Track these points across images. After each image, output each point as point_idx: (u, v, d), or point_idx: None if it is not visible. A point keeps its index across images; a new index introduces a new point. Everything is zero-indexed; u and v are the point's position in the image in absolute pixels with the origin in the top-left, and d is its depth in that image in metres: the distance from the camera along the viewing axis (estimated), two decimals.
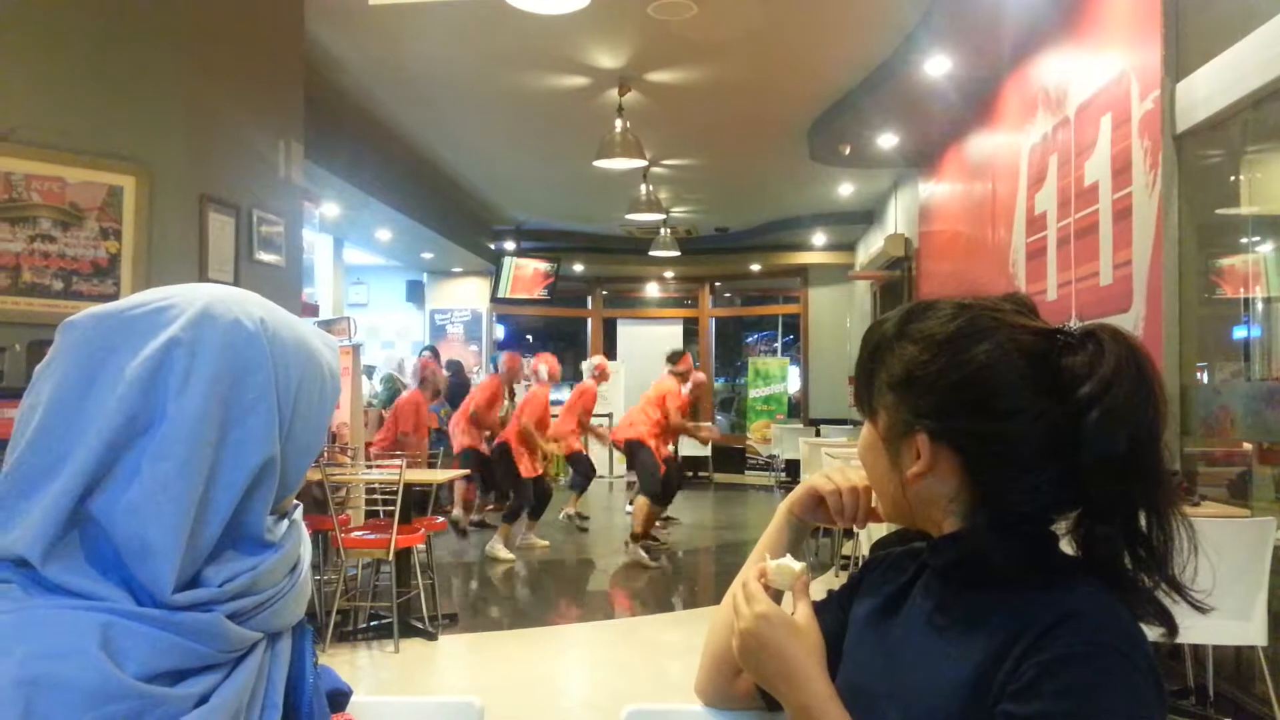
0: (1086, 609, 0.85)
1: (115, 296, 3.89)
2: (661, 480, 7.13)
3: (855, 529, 1.22)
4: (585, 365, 8.57)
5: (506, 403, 8.41)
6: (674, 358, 7.52)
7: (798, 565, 1.02)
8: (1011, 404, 0.90)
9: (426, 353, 10.08)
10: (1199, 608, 0.89)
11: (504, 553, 6.92)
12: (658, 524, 8.15)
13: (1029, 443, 0.89)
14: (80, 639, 0.70)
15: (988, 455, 0.91)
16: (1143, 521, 0.88)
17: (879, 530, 1.11)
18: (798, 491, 1.19)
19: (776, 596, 1.02)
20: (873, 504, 1.11)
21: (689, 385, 7.60)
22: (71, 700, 0.67)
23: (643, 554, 6.78)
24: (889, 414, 0.98)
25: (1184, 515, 0.89)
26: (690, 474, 9.81)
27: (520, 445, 7.21)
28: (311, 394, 0.88)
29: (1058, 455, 0.88)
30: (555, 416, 7.94)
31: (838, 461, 5.55)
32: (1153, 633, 0.88)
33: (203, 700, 0.76)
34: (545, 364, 7.63)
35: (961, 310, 0.95)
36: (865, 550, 4.96)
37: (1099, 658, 0.82)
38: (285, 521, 0.88)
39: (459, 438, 7.61)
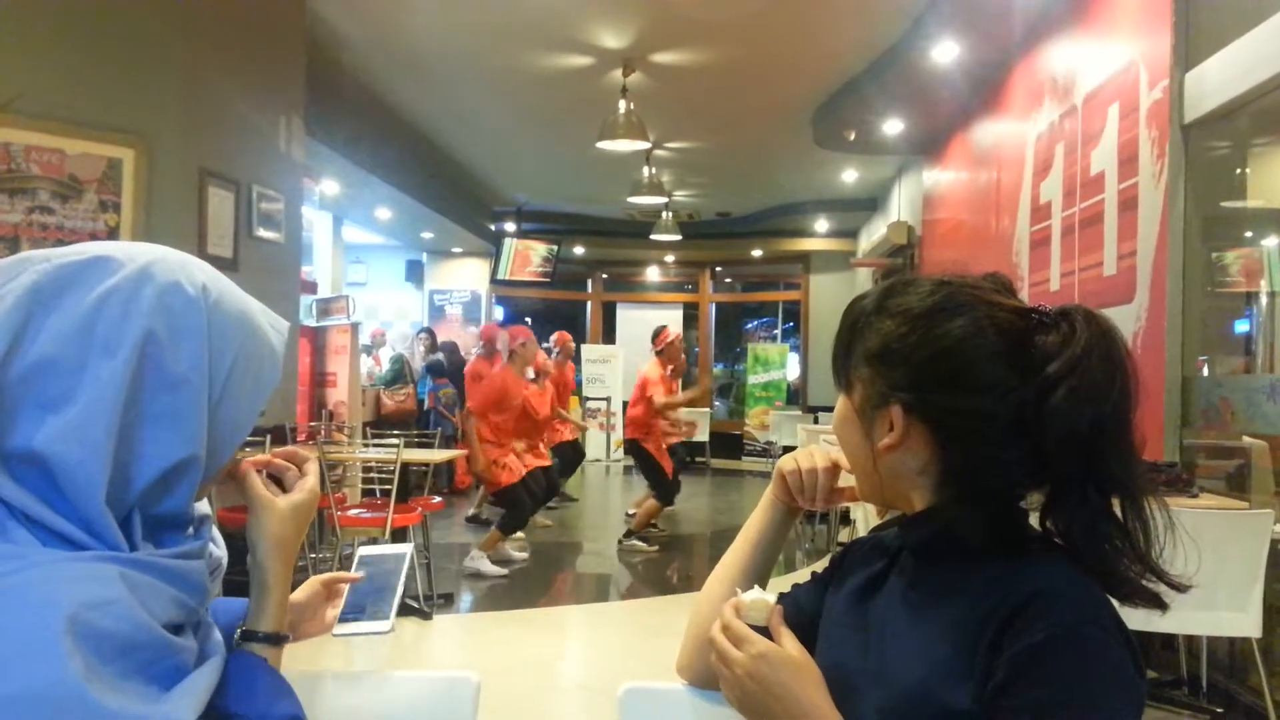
0: (1058, 587, 0.86)
1: None
2: (670, 482, 6.95)
3: (818, 510, 1.26)
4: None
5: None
6: (654, 336, 7.16)
7: (771, 597, 1.01)
8: (983, 379, 0.91)
9: (424, 333, 10.06)
10: (1178, 588, 0.90)
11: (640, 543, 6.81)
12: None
13: (999, 418, 0.90)
14: (112, 589, 0.71)
15: (958, 429, 0.92)
16: (1119, 510, 0.89)
17: (876, 517, 1.11)
18: (774, 473, 1.22)
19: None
20: (838, 484, 1.13)
21: (662, 351, 7.03)
22: (103, 648, 0.69)
23: (639, 544, 6.77)
24: (864, 386, 0.99)
25: (1160, 500, 0.90)
26: (688, 459, 9.74)
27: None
28: (247, 372, 0.83)
29: (1026, 432, 0.89)
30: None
31: (834, 448, 5.52)
32: (1133, 615, 0.89)
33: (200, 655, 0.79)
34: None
35: (940, 286, 0.97)
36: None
37: (1081, 639, 0.82)
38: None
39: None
